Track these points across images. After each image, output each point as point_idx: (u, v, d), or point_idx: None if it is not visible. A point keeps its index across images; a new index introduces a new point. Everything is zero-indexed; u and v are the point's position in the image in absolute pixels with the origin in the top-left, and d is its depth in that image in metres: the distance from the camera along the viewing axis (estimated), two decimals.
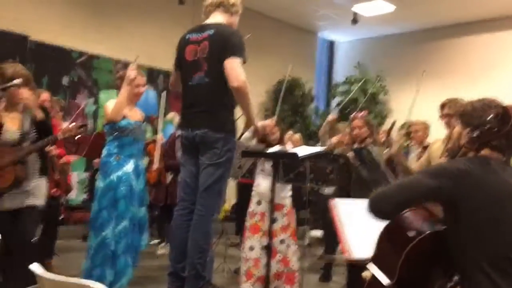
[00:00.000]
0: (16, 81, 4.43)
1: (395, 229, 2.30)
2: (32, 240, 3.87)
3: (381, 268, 2.27)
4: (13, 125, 3.77)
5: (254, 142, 4.62)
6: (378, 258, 2.33)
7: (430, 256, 2.20)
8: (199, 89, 3.57)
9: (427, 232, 2.19)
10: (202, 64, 3.54)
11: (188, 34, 3.68)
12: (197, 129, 3.57)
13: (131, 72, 4.31)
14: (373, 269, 2.30)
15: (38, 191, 3.85)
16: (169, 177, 6.48)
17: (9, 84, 4.12)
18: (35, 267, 1.93)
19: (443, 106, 4.31)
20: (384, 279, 2.22)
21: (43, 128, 3.83)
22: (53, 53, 8.39)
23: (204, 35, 3.56)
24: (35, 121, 3.83)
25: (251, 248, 4.73)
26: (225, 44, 3.46)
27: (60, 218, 5.94)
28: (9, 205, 3.73)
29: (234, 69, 3.41)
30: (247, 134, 4.52)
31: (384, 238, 2.31)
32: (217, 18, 3.68)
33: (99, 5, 9.26)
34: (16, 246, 3.69)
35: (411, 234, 2.21)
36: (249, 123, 3.86)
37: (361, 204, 3.13)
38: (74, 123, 3.70)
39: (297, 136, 7.58)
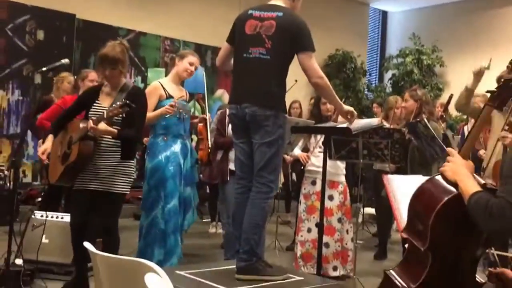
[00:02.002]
0: (63, 60, 4.45)
1: (425, 193, 2.21)
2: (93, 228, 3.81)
3: (414, 234, 2.21)
4: (104, 102, 3.73)
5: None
6: (410, 225, 2.25)
7: (464, 220, 2.04)
8: (256, 64, 3.56)
9: (457, 192, 2.05)
10: (265, 40, 3.54)
11: (251, 10, 3.69)
12: (246, 105, 3.53)
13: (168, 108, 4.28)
14: (408, 237, 2.25)
15: (116, 176, 3.68)
16: (219, 155, 6.40)
17: (53, 66, 4.11)
18: (88, 246, 1.91)
19: (500, 79, 3.98)
20: (419, 245, 2.14)
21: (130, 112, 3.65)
22: (100, 31, 8.41)
23: (271, 15, 3.58)
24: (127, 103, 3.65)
25: (309, 230, 4.70)
26: (297, 32, 3.54)
27: None
28: (85, 186, 3.68)
29: (313, 66, 3.55)
30: None
31: (415, 203, 2.24)
32: (278, 2, 3.68)
33: None
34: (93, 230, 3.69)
35: (441, 195, 2.12)
36: (338, 111, 3.94)
37: (416, 180, 2.96)
38: (118, 103, 3.59)
39: None
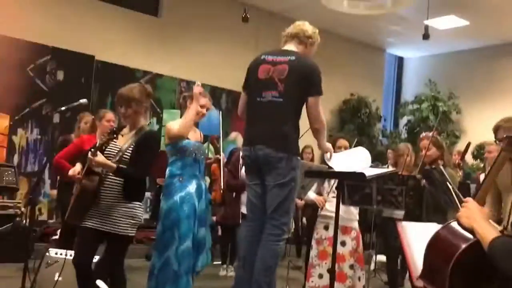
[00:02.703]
0: (81, 100, 4.52)
1: (442, 240, 2.15)
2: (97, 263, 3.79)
3: (431, 282, 2.14)
4: (120, 142, 3.73)
5: None
6: (426, 272, 2.19)
7: (483, 267, 2.00)
8: (269, 107, 3.63)
9: (475, 239, 2.01)
10: (277, 84, 3.63)
11: (264, 55, 3.80)
12: (260, 148, 3.59)
13: (196, 88, 4.31)
14: (424, 284, 2.18)
15: (119, 216, 3.60)
16: (232, 197, 6.39)
17: (72, 105, 4.17)
18: (100, 284, 1.91)
19: (497, 129, 3.87)
20: None
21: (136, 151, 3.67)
22: (117, 72, 8.58)
23: (284, 59, 3.68)
24: (137, 144, 3.68)
25: (321, 276, 4.63)
26: (309, 76, 3.64)
27: None
28: (89, 224, 3.63)
29: (317, 111, 3.66)
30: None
31: (431, 250, 2.18)
32: (292, 47, 3.80)
33: (162, 25, 9.48)
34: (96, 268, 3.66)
35: (458, 242, 2.07)
36: (321, 148, 4.02)
37: (430, 227, 2.93)
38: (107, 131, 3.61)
39: None
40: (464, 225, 2.09)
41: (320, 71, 3.71)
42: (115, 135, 3.65)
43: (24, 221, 6.54)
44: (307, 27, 3.88)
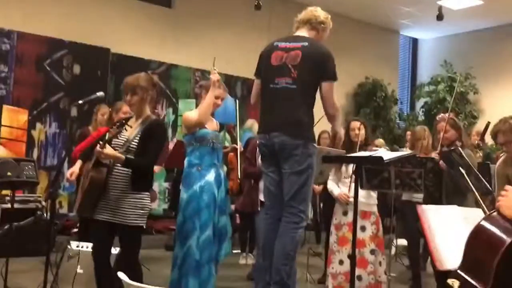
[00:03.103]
0: (98, 93, 4.53)
1: (485, 232, 2.09)
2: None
3: (473, 275, 2.08)
4: (128, 132, 3.73)
5: None
6: (468, 264, 2.13)
7: None
8: (283, 93, 3.63)
9: None
10: (291, 70, 3.62)
11: (277, 41, 3.80)
12: (275, 135, 3.59)
13: (213, 76, 4.31)
14: (464, 276, 2.11)
15: (127, 208, 3.61)
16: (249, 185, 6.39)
17: (89, 98, 4.20)
18: (122, 276, 1.93)
19: (495, 134, 3.82)
20: (480, 286, 2.02)
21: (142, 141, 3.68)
22: (132, 64, 8.58)
23: (296, 45, 3.67)
24: (143, 133, 3.69)
25: (341, 262, 4.62)
26: (322, 62, 3.63)
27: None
28: (100, 217, 3.66)
29: (331, 97, 3.66)
30: None
31: (474, 242, 2.11)
32: (304, 33, 3.80)
33: (175, 15, 9.48)
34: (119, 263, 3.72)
35: (503, 234, 2.01)
36: (336, 139, 4.09)
37: (452, 210, 2.91)
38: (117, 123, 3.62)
39: (380, 140, 7.33)
40: (505, 215, 2.03)
41: (333, 57, 3.69)
42: (124, 127, 3.66)
43: (45, 214, 6.63)
44: (319, 12, 3.87)
